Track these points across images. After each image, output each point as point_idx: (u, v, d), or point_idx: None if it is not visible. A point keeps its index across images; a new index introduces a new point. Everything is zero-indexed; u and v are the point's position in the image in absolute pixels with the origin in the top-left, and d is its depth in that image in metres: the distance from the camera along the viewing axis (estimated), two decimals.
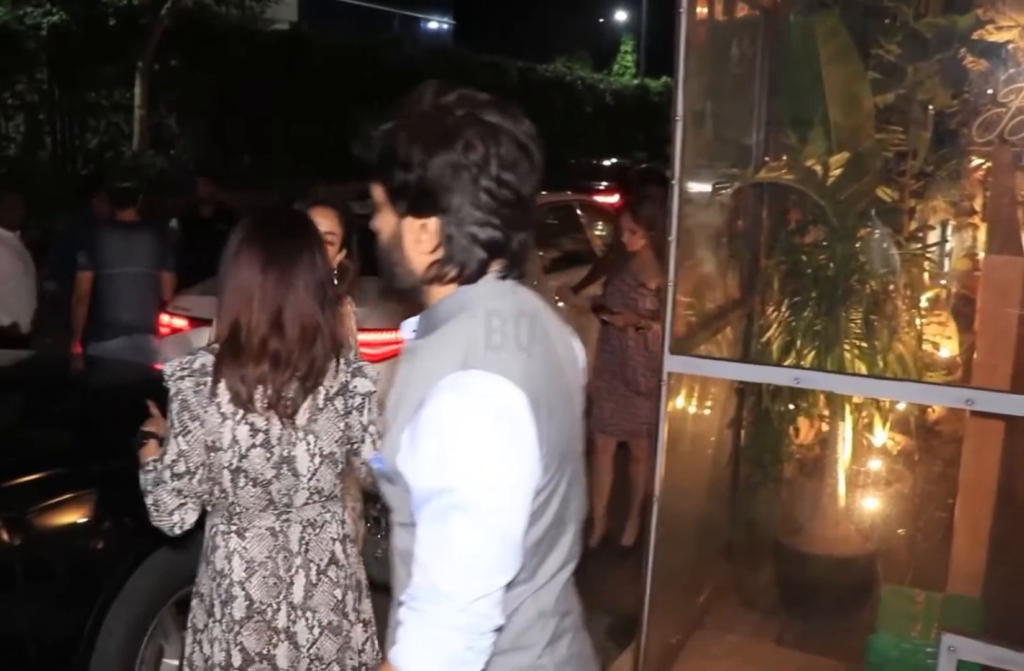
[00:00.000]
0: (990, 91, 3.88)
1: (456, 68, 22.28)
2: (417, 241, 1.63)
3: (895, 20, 4.01)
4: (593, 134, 26.64)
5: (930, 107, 4.07)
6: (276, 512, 2.57)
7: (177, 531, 2.56)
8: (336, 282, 3.20)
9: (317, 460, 2.56)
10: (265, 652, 2.57)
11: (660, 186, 5.71)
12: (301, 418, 2.53)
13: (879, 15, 4.11)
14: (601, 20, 44.92)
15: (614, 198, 12.90)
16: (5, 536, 2.96)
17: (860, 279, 4.13)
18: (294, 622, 2.58)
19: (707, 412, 4.30)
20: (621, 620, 4.40)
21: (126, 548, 3.28)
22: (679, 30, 3.10)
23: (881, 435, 4.25)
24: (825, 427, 4.35)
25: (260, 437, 2.50)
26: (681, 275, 3.32)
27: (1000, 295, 3.40)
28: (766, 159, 4.37)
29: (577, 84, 28.48)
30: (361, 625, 2.71)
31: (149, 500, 2.53)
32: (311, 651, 2.59)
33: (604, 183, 13.83)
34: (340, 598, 2.65)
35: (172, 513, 2.52)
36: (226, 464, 2.49)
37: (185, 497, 2.52)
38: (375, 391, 2.64)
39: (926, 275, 4.36)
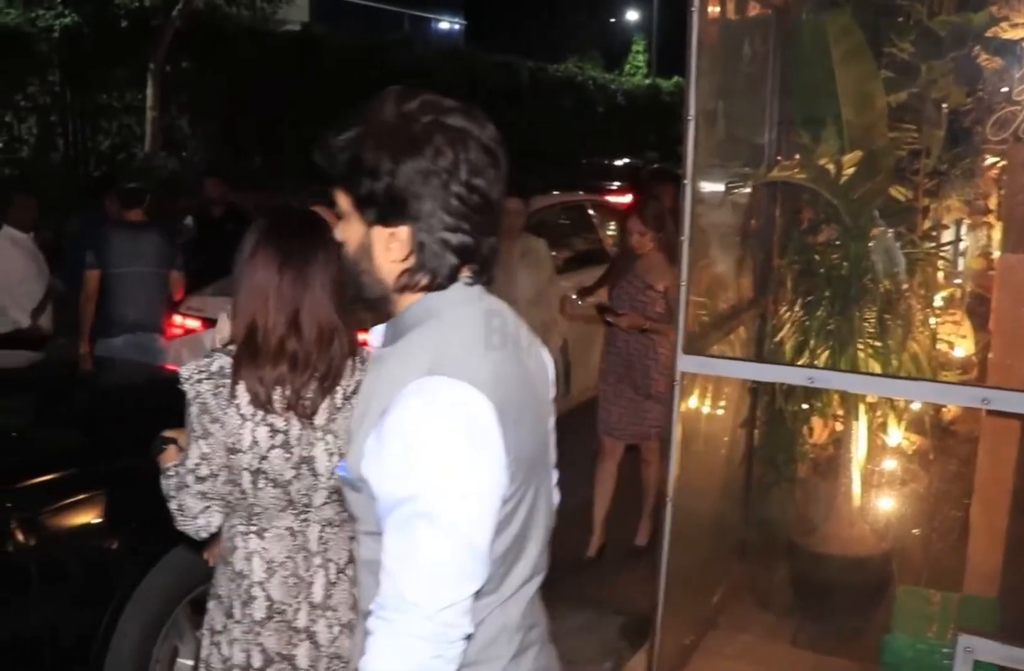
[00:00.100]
0: (1005, 89, 3.85)
1: (467, 68, 22.30)
2: (387, 249, 1.62)
3: (908, 18, 3.99)
4: (605, 134, 26.61)
5: (944, 105, 4.05)
6: (295, 512, 2.57)
7: (203, 535, 2.56)
8: None
9: (336, 459, 2.56)
10: (285, 652, 2.57)
11: (671, 186, 5.69)
12: (320, 418, 2.53)
13: (892, 13, 4.09)
14: (612, 20, 44.89)
15: (626, 198, 12.88)
16: (20, 536, 2.97)
17: (873, 278, 4.12)
18: (314, 621, 2.58)
19: (720, 412, 4.29)
20: (634, 620, 4.41)
21: (140, 548, 3.28)
22: (691, 29, 3.09)
23: (896, 435, 4.24)
24: (839, 427, 4.33)
25: (280, 438, 2.50)
26: (694, 275, 3.31)
27: (1015, 294, 3.40)
28: (778, 158, 4.35)
29: (588, 84, 28.45)
30: None
31: (173, 505, 2.53)
32: (331, 650, 2.60)
33: (616, 183, 13.80)
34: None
35: (197, 517, 2.53)
36: (246, 466, 2.49)
37: (210, 500, 2.52)
38: None
39: (940, 274, 4.35)
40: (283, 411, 2.50)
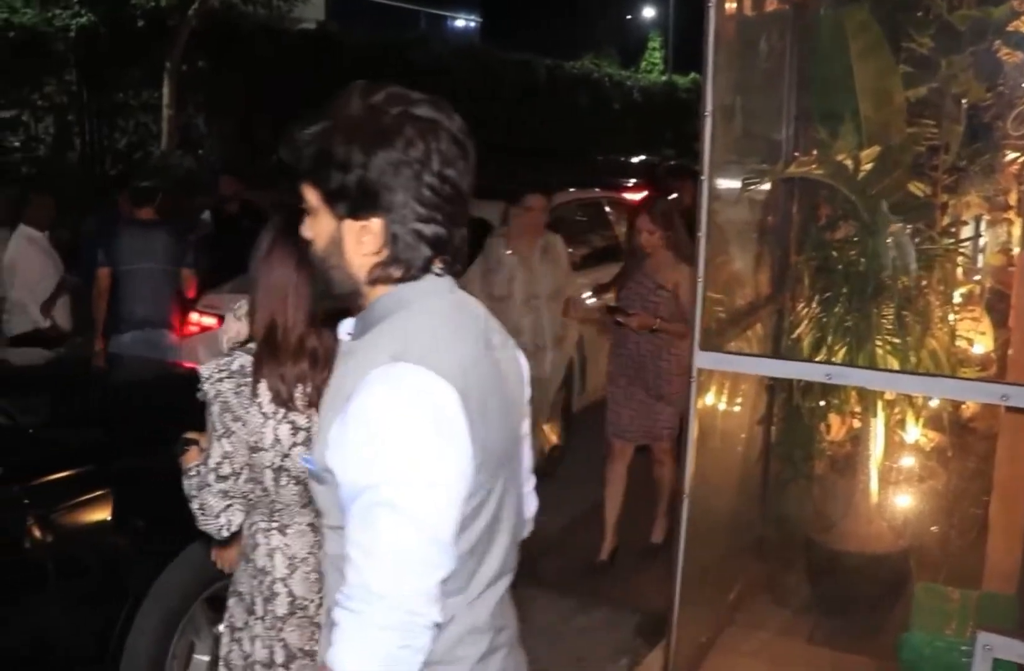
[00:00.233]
0: None
1: (483, 66, 22.26)
2: (359, 243, 1.61)
3: (927, 12, 3.97)
4: (621, 131, 26.55)
5: (963, 101, 4.02)
6: (316, 508, 2.57)
7: (225, 534, 2.57)
8: None
9: None
10: (308, 648, 2.57)
11: (688, 182, 5.64)
12: None
13: (911, 8, 4.06)
14: (628, 17, 44.80)
15: (643, 195, 12.85)
16: (37, 533, 2.97)
17: (892, 275, 4.09)
18: None
19: (737, 409, 4.27)
20: (650, 618, 4.40)
21: (156, 544, 3.29)
22: (708, 25, 3.08)
23: (914, 432, 4.21)
24: (857, 424, 4.31)
25: (301, 435, 2.51)
26: (710, 271, 3.30)
27: None
28: (796, 154, 4.33)
29: (605, 81, 28.38)
30: None
31: (195, 505, 2.53)
32: None
33: (633, 180, 13.77)
34: None
35: (219, 516, 2.53)
36: (268, 464, 2.50)
37: (231, 498, 2.52)
38: None
39: (959, 271, 4.32)
40: (304, 408, 2.50)
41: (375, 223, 1.59)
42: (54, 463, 3.22)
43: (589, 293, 6.67)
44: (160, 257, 6.08)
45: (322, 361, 2.48)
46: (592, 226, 7.87)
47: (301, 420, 2.50)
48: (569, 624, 4.55)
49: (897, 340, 4.08)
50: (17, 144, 14.47)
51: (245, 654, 2.62)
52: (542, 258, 5.52)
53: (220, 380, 2.49)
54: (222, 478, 2.50)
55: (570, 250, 6.40)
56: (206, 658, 3.47)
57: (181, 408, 2.84)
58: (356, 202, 1.58)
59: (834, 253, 4.30)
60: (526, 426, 1.89)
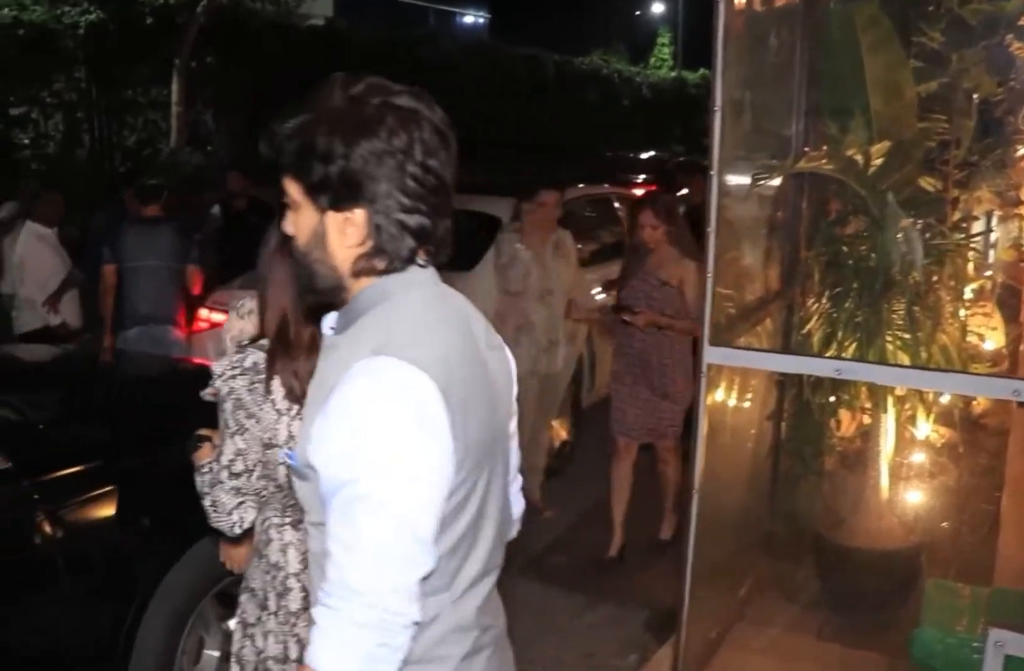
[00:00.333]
0: None
1: (492, 62, 22.25)
2: (342, 235, 1.60)
3: (939, 7, 3.94)
4: (630, 127, 26.52)
5: (974, 95, 4.00)
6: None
7: (237, 530, 2.57)
8: None
9: None
10: None
11: (697, 178, 5.61)
12: None
13: (921, 2, 4.04)
14: (637, 13, 44.73)
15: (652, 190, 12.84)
16: (46, 529, 2.98)
17: (902, 270, 4.08)
18: None
19: (747, 404, 4.26)
20: (659, 614, 4.40)
21: (166, 540, 3.29)
22: (717, 19, 3.07)
23: (924, 428, 4.20)
24: (867, 419, 4.29)
25: None
26: (720, 266, 3.29)
27: None
28: (806, 149, 4.32)
29: (614, 77, 28.34)
30: None
31: (207, 502, 2.53)
32: None
33: (642, 176, 13.75)
34: None
35: (231, 513, 2.53)
36: (282, 460, 2.49)
37: (244, 495, 2.52)
38: None
39: (970, 266, 4.30)
40: None
41: (358, 214, 1.58)
42: (63, 459, 3.22)
43: (599, 289, 6.67)
44: (164, 254, 6.15)
45: None
46: (601, 222, 7.86)
47: None
48: (578, 620, 4.55)
49: (908, 336, 4.06)
50: (27, 141, 14.49)
51: (258, 650, 2.61)
52: (554, 254, 5.52)
53: (233, 377, 2.49)
54: (235, 475, 2.50)
55: (579, 246, 6.40)
56: (216, 653, 3.48)
57: (187, 404, 2.84)
58: (339, 193, 1.57)
59: (844, 248, 4.29)
60: (513, 424, 1.87)
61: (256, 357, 2.51)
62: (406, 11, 33.63)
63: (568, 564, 5.15)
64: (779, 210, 4.47)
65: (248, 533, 2.65)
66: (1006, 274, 4.25)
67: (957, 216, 4.24)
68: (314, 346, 2.47)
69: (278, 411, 2.48)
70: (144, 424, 3.63)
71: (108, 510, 3.19)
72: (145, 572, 3.23)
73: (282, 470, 2.50)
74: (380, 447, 1.48)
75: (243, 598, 2.69)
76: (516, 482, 1.97)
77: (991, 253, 4.48)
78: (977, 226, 4.38)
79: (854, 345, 4.12)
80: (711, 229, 3.18)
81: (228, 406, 2.50)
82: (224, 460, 2.50)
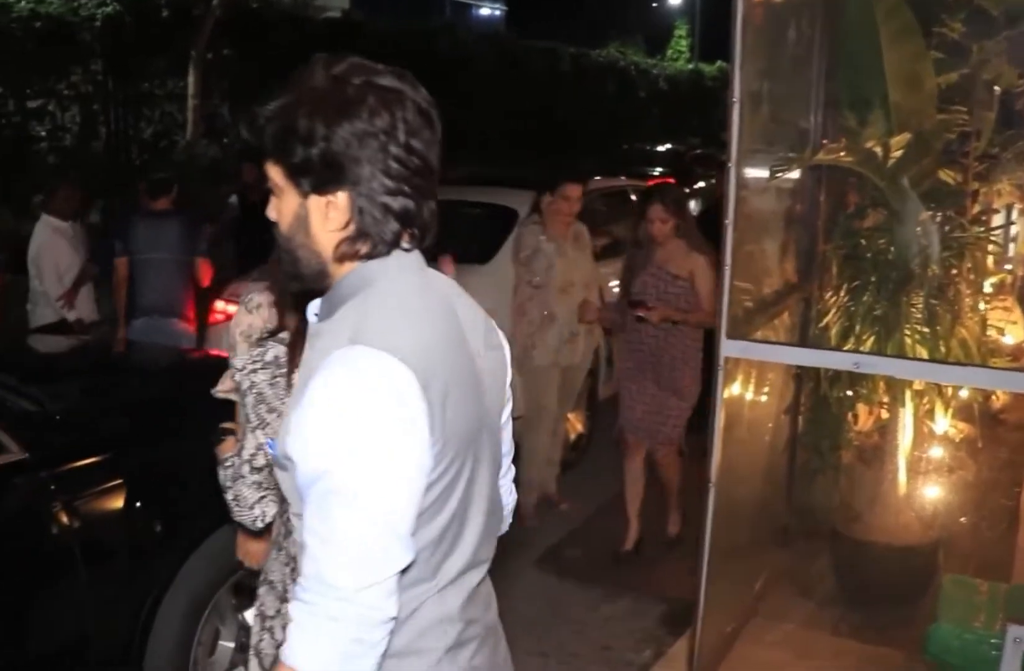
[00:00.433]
0: None
1: (509, 54, 22.21)
2: (325, 219, 1.56)
3: None
4: (647, 119, 26.47)
5: (995, 87, 3.97)
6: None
7: (259, 525, 2.56)
8: None
9: None
10: None
11: (711, 169, 5.55)
12: None
13: None
14: (655, 4, 44.61)
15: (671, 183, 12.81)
16: (63, 519, 2.98)
17: (921, 263, 4.05)
18: None
19: (763, 398, 4.25)
20: (674, 608, 4.39)
21: (183, 531, 3.30)
22: (736, 10, 3.05)
23: (943, 422, 4.18)
24: (885, 414, 4.27)
25: None
26: (737, 259, 3.27)
27: None
28: (824, 141, 4.29)
29: (630, 69, 28.25)
30: None
31: (229, 496, 2.53)
32: None
33: (659, 169, 13.72)
34: None
35: (253, 507, 2.52)
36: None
37: (265, 490, 2.51)
38: None
39: (990, 259, 4.27)
40: None
41: (341, 197, 1.54)
42: (81, 449, 3.23)
43: (617, 282, 6.64)
44: (172, 247, 6.25)
45: None
46: (618, 215, 7.83)
47: None
48: (594, 613, 4.54)
49: (926, 329, 4.04)
50: (43, 133, 14.54)
51: (277, 643, 2.60)
52: (574, 246, 5.52)
53: (254, 371, 2.48)
54: (256, 469, 2.49)
55: (601, 240, 6.39)
56: (231, 645, 3.48)
57: (202, 396, 2.84)
58: (321, 176, 1.53)
59: (863, 241, 4.26)
60: (506, 413, 1.83)
61: (277, 351, 2.49)
62: (422, 3, 33.56)
63: (584, 557, 5.15)
64: (797, 203, 4.45)
65: (268, 528, 2.64)
66: None
67: (977, 209, 4.21)
68: None
69: None
70: (158, 415, 3.63)
71: (125, 500, 3.19)
72: (161, 563, 3.24)
73: None
74: (355, 439, 1.44)
75: (262, 591, 2.68)
76: (509, 474, 1.93)
77: (1011, 246, 4.45)
78: (997, 219, 4.36)
79: (872, 339, 4.10)
80: (728, 221, 3.16)
81: (249, 400, 2.49)
82: (246, 454, 2.49)
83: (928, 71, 3.97)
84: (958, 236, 4.11)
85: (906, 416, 4.13)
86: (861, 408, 4.33)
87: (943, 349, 4.01)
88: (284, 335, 2.52)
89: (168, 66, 15.61)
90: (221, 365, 2.95)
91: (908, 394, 4.09)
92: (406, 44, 18.73)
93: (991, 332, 4.16)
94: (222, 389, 2.76)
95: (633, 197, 8.03)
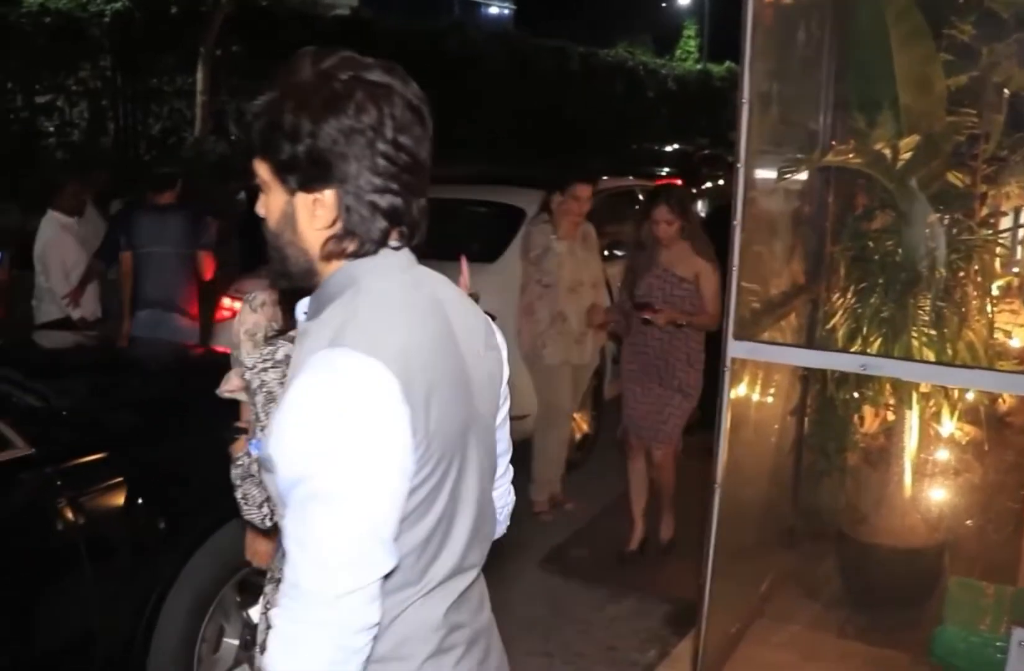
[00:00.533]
0: None
1: (518, 53, 22.21)
2: (312, 217, 1.53)
3: None
4: (655, 119, 26.47)
5: (1005, 89, 3.96)
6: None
7: (268, 523, 2.56)
8: None
9: None
10: None
11: (718, 170, 5.55)
12: None
13: None
14: (663, 4, 44.59)
15: (677, 184, 12.82)
16: (69, 515, 2.99)
17: (929, 265, 4.04)
18: None
19: (769, 399, 4.24)
20: (679, 608, 4.39)
21: (188, 528, 3.30)
22: (746, 11, 3.05)
23: (949, 425, 4.17)
24: (891, 416, 4.27)
25: None
26: (745, 260, 3.27)
27: None
28: (833, 143, 4.29)
29: (639, 69, 28.28)
30: None
31: (238, 494, 2.53)
32: None
33: (667, 169, 13.73)
34: None
35: (261, 505, 2.52)
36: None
37: None
38: None
39: (998, 262, 4.26)
40: None
41: (328, 195, 1.51)
42: (87, 445, 3.23)
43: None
44: (174, 241, 6.27)
45: None
46: (626, 215, 7.82)
47: None
48: (599, 613, 4.54)
49: (934, 332, 4.03)
50: (52, 129, 14.57)
51: None
52: (583, 246, 5.53)
53: (265, 370, 2.47)
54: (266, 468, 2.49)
55: (612, 239, 6.39)
56: (236, 642, 3.48)
57: (205, 393, 2.84)
58: (307, 173, 1.51)
59: (870, 243, 4.26)
60: (503, 413, 1.80)
61: (288, 349, 2.49)
62: (431, 1, 33.61)
63: (589, 557, 5.14)
64: (805, 204, 4.44)
65: (277, 526, 2.64)
66: None
67: (985, 211, 4.20)
68: None
69: None
70: (164, 412, 3.63)
71: (130, 497, 3.19)
72: (166, 560, 3.24)
73: None
74: (335, 443, 1.41)
75: (268, 589, 2.68)
76: (507, 475, 1.89)
77: (1019, 249, 4.44)
78: (1005, 222, 4.35)
79: (879, 341, 4.10)
80: (737, 222, 3.16)
81: (259, 399, 2.49)
82: (255, 453, 2.50)
83: (938, 73, 3.96)
84: (966, 239, 4.10)
85: (912, 418, 4.12)
86: (867, 410, 4.33)
87: (950, 352, 4.00)
88: (294, 333, 2.52)
89: (177, 62, 15.65)
90: (227, 362, 2.96)
91: (915, 396, 4.09)
92: (415, 43, 18.77)
93: (998, 335, 4.15)
94: (228, 389, 2.76)
95: (641, 197, 8.02)
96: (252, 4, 16.31)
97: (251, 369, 2.48)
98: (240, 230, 7.53)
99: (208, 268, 6.39)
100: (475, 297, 2.04)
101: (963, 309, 4.11)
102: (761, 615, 4.17)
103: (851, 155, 4.12)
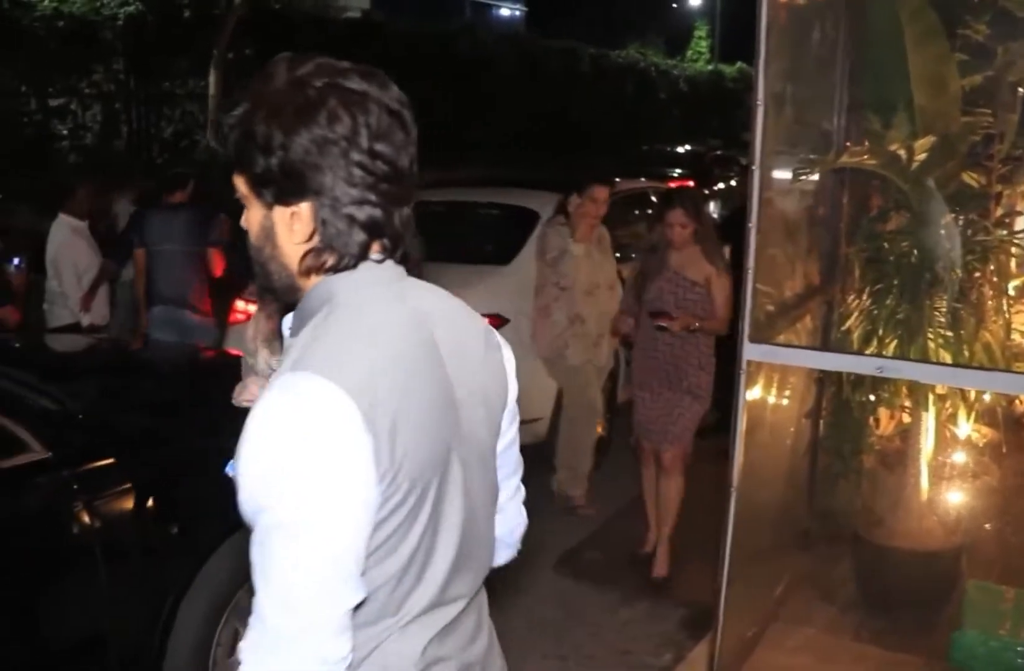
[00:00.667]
0: None
1: (529, 55, 22.21)
2: (290, 231, 1.48)
3: None
4: (667, 120, 26.45)
5: (1020, 89, 3.94)
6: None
7: None
8: None
9: None
10: None
11: (730, 171, 5.52)
12: None
13: None
14: (674, 5, 44.55)
15: (689, 185, 12.79)
16: (85, 518, 2.99)
17: (945, 266, 4.02)
18: None
19: (785, 402, 4.23)
20: (694, 611, 4.38)
21: (203, 531, 3.30)
22: (760, 12, 3.03)
23: (965, 427, 4.14)
24: (907, 418, 4.25)
25: None
26: (760, 262, 3.26)
27: None
28: (848, 144, 4.27)
29: (650, 70, 28.27)
30: None
31: None
32: None
33: (678, 170, 13.70)
34: None
35: None
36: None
37: None
38: None
39: (1013, 262, 4.23)
40: None
41: (304, 208, 1.46)
42: (103, 449, 3.23)
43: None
44: (184, 239, 6.37)
45: None
46: (638, 217, 7.81)
47: None
48: (613, 617, 4.52)
49: (950, 333, 4.01)
50: (65, 132, 14.62)
51: None
52: (598, 248, 5.53)
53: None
54: None
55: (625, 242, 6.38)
56: None
57: (221, 395, 2.84)
58: (282, 186, 1.45)
59: (886, 244, 4.24)
60: (512, 432, 1.72)
61: None
62: (442, 3, 33.60)
63: (603, 560, 5.13)
64: (820, 205, 4.43)
65: None
66: None
67: (1000, 212, 4.18)
68: None
69: None
70: (179, 415, 3.63)
71: (146, 500, 3.19)
72: (181, 563, 3.24)
73: None
74: (293, 471, 1.34)
75: None
76: (517, 496, 1.81)
77: None
78: (1021, 222, 4.32)
79: (895, 343, 4.08)
80: (752, 224, 3.15)
81: None
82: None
83: (952, 73, 3.94)
84: (981, 239, 4.09)
85: (929, 420, 4.10)
86: (883, 412, 4.31)
87: (967, 353, 3.98)
88: None
89: (189, 66, 15.71)
90: (239, 365, 2.96)
91: (931, 398, 4.06)
92: (426, 45, 18.78)
93: (1015, 336, 4.12)
94: (246, 398, 2.75)
95: (654, 199, 8.00)
96: (264, 7, 16.36)
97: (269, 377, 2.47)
98: None
99: (218, 265, 6.44)
100: None
101: (979, 310, 4.08)
102: (777, 618, 4.15)
103: (866, 156, 4.10)
